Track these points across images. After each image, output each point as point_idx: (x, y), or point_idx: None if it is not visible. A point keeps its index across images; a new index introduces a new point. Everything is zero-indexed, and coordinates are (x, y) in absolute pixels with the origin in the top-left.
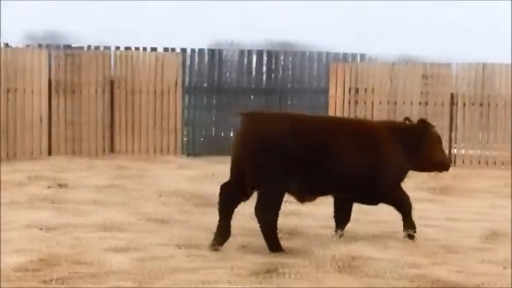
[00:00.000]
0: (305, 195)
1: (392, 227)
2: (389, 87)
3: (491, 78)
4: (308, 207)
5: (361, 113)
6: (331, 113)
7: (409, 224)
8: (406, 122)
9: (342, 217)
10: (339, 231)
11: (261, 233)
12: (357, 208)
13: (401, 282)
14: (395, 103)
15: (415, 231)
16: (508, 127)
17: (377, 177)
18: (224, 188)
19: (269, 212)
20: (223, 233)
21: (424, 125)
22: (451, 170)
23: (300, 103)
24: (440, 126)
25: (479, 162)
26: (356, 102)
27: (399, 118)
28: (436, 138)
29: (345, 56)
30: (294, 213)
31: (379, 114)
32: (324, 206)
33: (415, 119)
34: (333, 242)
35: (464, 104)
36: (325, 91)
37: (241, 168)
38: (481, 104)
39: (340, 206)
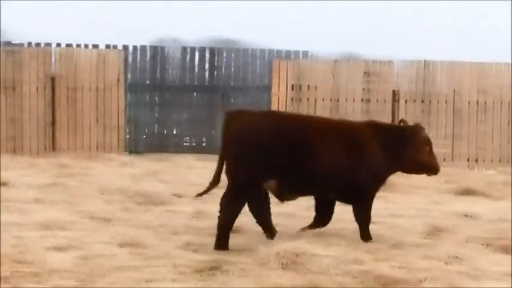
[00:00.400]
0: (285, 193)
1: (336, 224)
2: (332, 85)
3: (432, 76)
4: None
5: (304, 110)
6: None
7: (365, 236)
8: (401, 123)
9: (322, 217)
10: (306, 229)
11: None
12: (300, 204)
13: (344, 278)
14: (338, 100)
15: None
16: (449, 124)
17: (355, 176)
18: None
19: (234, 207)
20: (265, 229)
21: (413, 128)
22: None
23: (243, 100)
24: None
25: None
26: (299, 99)
27: (342, 115)
28: (425, 141)
29: (288, 53)
30: None
31: (321, 111)
32: None
33: (357, 116)
34: (276, 239)
35: (406, 101)
36: (268, 88)
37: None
38: (423, 101)
39: (321, 207)
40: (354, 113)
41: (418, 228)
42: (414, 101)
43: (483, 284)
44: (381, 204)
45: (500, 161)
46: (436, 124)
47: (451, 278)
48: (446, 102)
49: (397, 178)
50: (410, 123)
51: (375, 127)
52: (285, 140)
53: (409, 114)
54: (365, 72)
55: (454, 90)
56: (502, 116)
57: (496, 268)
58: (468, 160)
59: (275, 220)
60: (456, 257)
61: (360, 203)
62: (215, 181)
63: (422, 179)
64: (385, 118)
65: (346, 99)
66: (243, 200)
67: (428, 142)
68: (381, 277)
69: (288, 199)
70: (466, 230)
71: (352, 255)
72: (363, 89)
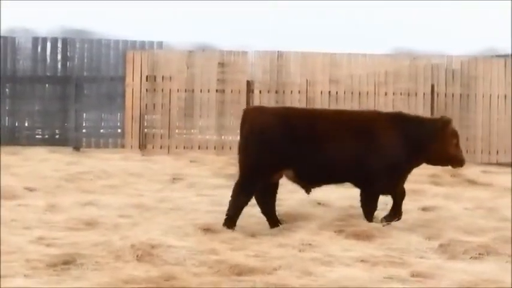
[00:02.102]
0: (305, 182)
1: (192, 214)
2: (186, 75)
3: (285, 66)
4: (106, 197)
5: (159, 101)
6: (128, 101)
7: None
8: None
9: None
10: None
11: None
12: (154, 196)
13: (200, 268)
14: (193, 91)
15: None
16: None
17: (365, 164)
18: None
19: (245, 196)
20: (269, 219)
21: (441, 121)
22: None
23: (97, 91)
24: (236, 114)
25: None
26: (154, 90)
27: (197, 106)
28: (452, 134)
29: (142, 44)
30: (91, 203)
31: (176, 102)
32: (122, 196)
33: (212, 106)
34: (132, 231)
35: (260, 91)
36: (122, 79)
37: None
38: (276, 91)
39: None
40: (208, 103)
41: None
42: (268, 91)
43: (335, 269)
44: None
45: None
46: None
47: (305, 264)
48: (299, 92)
49: None
50: None
51: (399, 119)
52: (301, 133)
53: (263, 104)
54: (219, 63)
55: (307, 80)
56: (353, 106)
57: (347, 254)
58: None
59: (128, 212)
60: (310, 244)
61: (369, 191)
62: None
63: None
64: (240, 108)
65: (201, 90)
66: (253, 191)
67: (455, 135)
68: (236, 266)
69: (312, 188)
70: (319, 218)
71: (208, 245)
72: (218, 80)
